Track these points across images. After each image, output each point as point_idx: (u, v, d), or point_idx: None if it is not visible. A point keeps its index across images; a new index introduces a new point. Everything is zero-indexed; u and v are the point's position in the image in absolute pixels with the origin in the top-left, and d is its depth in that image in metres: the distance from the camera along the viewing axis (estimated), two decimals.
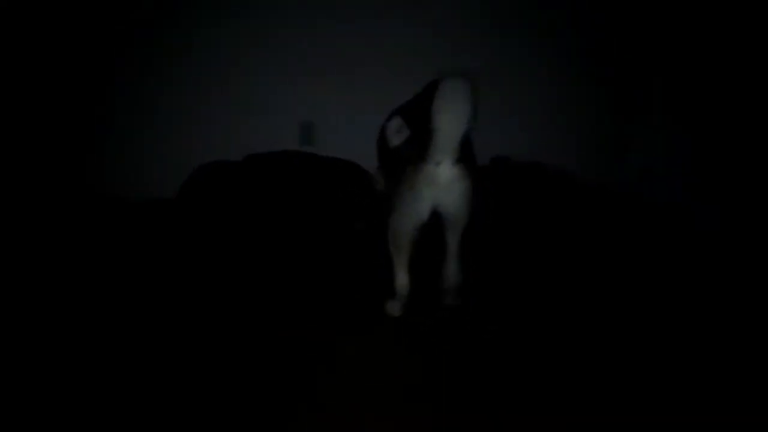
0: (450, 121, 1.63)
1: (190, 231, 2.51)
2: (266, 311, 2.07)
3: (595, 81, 3.14)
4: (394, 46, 2.93)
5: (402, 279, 1.95)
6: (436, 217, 1.87)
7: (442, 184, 1.73)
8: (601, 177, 3.19)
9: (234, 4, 2.82)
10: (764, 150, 2.38)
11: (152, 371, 1.67)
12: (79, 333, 1.84)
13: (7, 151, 2.69)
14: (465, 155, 1.89)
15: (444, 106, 1.62)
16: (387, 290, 2.09)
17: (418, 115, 1.68)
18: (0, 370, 1.62)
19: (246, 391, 1.62)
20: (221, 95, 2.93)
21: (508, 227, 2.73)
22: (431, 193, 1.73)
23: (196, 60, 2.87)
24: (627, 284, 2.41)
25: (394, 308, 1.99)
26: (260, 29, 2.87)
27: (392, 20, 2.89)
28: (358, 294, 2.23)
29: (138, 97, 2.89)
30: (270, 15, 2.85)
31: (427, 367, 1.81)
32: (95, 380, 1.61)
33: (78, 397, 1.54)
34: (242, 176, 2.67)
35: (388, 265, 2.02)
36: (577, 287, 2.36)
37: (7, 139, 2.69)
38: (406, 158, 1.76)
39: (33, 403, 1.50)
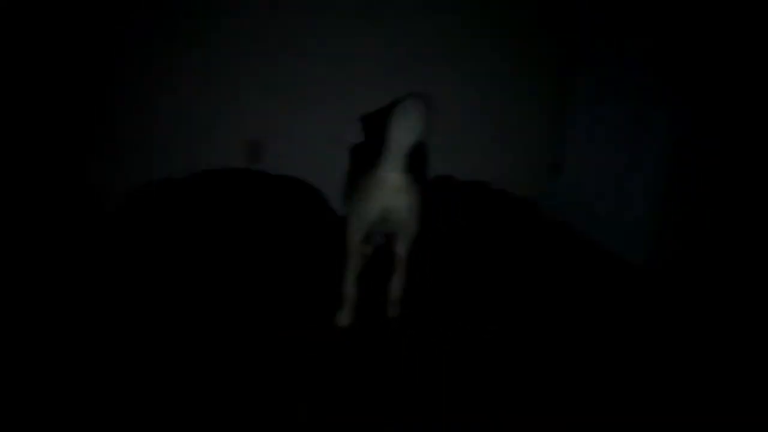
0: (401, 133, 1.80)
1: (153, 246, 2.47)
2: (266, 311, 2.07)
3: (536, 106, 3.28)
4: (344, 66, 2.96)
5: (350, 283, 2.01)
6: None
7: (390, 190, 1.87)
8: (537, 194, 3.34)
9: (183, 19, 2.77)
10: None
11: (151, 372, 1.66)
12: (72, 332, 1.84)
13: (6, 149, 2.69)
14: (417, 168, 2.08)
15: (398, 120, 1.79)
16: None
17: (376, 125, 1.86)
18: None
19: (246, 391, 1.62)
20: (167, 110, 2.87)
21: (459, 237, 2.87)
22: (381, 197, 1.88)
23: (146, 73, 2.80)
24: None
25: (342, 318, 2.02)
26: (211, 45, 2.82)
27: (343, 40, 2.92)
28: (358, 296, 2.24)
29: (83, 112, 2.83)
30: (220, 31, 2.80)
31: (426, 367, 1.82)
32: (95, 381, 1.61)
33: (76, 396, 1.54)
34: (188, 193, 2.63)
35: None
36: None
37: (5, 136, 2.68)
38: (361, 166, 1.94)
39: (30, 401, 1.50)
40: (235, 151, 2.98)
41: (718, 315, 2.29)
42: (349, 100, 2.89)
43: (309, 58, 2.94)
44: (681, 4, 2.57)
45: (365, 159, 1.90)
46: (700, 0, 2.46)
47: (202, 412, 1.52)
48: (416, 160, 2.24)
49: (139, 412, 1.50)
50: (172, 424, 1.48)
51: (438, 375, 1.79)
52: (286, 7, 2.85)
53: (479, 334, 2.03)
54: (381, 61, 2.98)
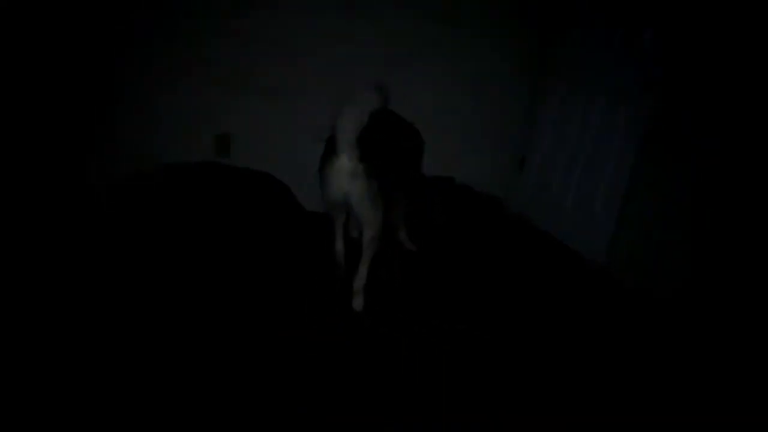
0: (343, 120, 1.95)
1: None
2: (266, 311, 2.07)
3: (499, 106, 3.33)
4: (314, 60, 2.97)
5: (335, 245, 2.30)
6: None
7: (345, 175, 2.02)
8: (504, 191, 3.41)
9: (152, 11, 2.76)
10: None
11: (150, 372, 1.66)
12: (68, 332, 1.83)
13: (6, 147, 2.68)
14: (411, 167, 2.50)
15: (344, 110, 1.94)
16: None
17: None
18: None
19: (246, 391, 1.62)
20: (137, 103, 2.84)
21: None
22: (337, 180, 2.04)
23: (113, 63, 2.77)
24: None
25: (337, 273, 2.29)
26: (180, 38, 2.80)
27: (314, 37, 2.93)
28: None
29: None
30: (191, 23, 2.79)
31: (426, 367, 1.82)
32: (94, 381, 1.61)
33: (75, 395, 1.53)
34: (159, 187, 2.61)
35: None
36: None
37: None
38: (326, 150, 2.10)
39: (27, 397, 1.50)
40: (204, 145, 2.99)
41: (679, 314, 2.30)
42: (318, 96, 2.90)
43: (280, 50, 2.93)
44: (649, 6, 2.61)
45: (333, 146, 2.06)
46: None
47: (202, 412, 1.52)
48: (411, 160, 2.57)
49: (139, 413, 1.50)
50: (171, 425, 1.48)
51: (438, 375, 1.79)
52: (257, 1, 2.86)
53: (456, 334, 2.04)
54: (352, 59, 2.98)
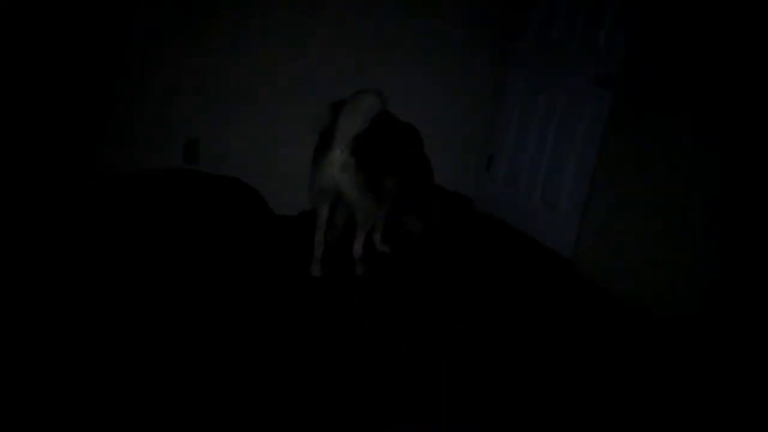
0: (346, 120, 2.09)
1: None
2: (266, 311, 2.07)
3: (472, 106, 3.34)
4: (285, 66, 2.90)
5: (317, 240, 2.39)
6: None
7: (337, 167, 2.17)
8: (473, 190, 3.41)
9: (123, 16, 2.65)
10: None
11: (150, 373, 1.66)
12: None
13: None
14: (420, 174, 2.68)
15: (346, 108, 2.09)
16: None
17: (335, 113, 2.18)
18: None
19: (246, 391, 1.62)
20: (106, 108, 2.73)
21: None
22: (330, 172, 2.19)
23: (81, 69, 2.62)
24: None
25: (313, 269, 2.39)
26: (150, 44, 2.71)
27: (285, 39, 2.87)
28: (357, 296, 2.24)
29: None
30: (159, 28, 2.69)
31: (426, 367, 1.82)
32: (95, 381, 1.61)
33: (78, 396, 1.53)
34: (128, 193, 2.55)
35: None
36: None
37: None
38: (323, 145, 2.23)
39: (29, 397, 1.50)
40: (172, 150, 2.91)
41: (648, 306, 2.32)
42: (290, 100, 2.89)
43: (248, 55, 2.87)
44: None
45: (328, 140, 2.18)
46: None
47: (203, 412, 1.52)
48: (415, 166, 2.68)
49: (139, 413, 1.50)
50: (172, 425, 1.48)
51: (438, 375, 1.79)
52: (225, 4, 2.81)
53: (456, 334, 2.04)
54: (322, 62, 2.95)
